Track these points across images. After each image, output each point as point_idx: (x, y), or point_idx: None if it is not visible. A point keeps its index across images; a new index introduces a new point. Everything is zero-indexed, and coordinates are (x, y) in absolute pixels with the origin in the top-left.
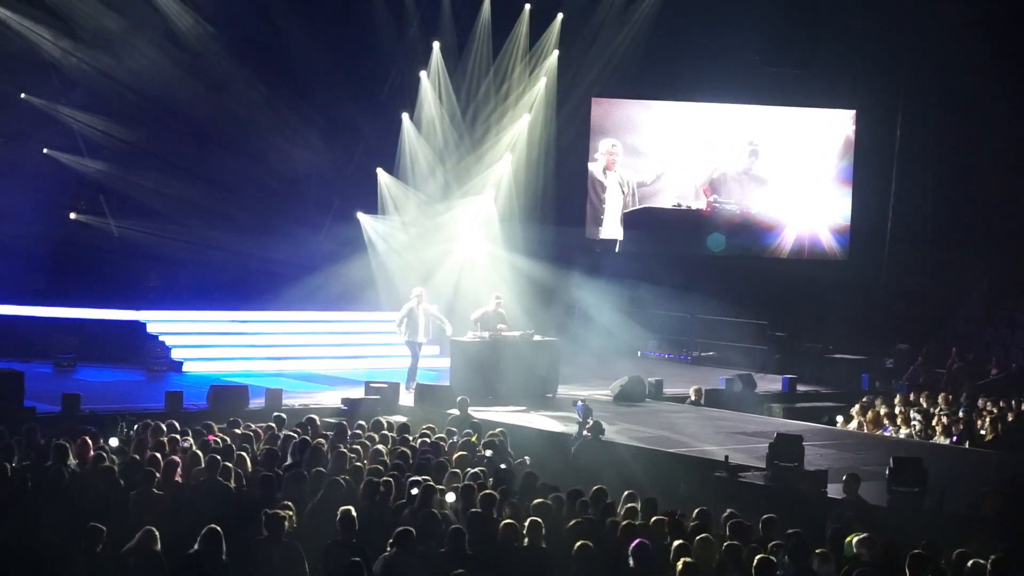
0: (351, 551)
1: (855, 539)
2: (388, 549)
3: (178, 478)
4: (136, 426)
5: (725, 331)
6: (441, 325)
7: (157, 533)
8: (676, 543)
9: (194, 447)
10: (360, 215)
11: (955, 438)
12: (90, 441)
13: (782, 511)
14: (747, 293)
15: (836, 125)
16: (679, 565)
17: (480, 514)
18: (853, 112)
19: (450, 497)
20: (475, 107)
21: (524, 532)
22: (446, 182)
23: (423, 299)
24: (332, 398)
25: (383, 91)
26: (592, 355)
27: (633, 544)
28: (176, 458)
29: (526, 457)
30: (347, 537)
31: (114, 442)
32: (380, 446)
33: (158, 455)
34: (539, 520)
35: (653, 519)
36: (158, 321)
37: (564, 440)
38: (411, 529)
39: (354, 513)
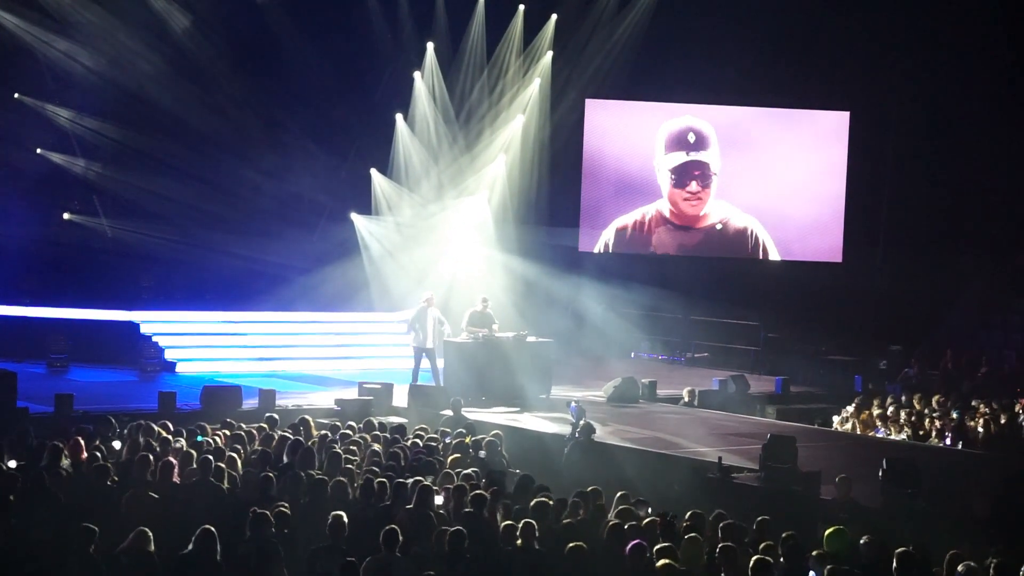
0: (339, 556)
1: (833, 533)
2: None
3: (175, 479)
4: (129, 427)
5: (718, 332)
6: (441, 328)
7: (150, 534)
8: (659, 545)
9: (187, 448)
10: (354, 216)
11: (948, 439)
12: (83, 441)
13: (775, 512)
14: (740, 294)
15: (830, 127)
16: (658, 565)
17: (472, 515)
18: (847, 114)
19: (438, 499)
20: (469, 108)
21: (518, 533)
22: (440, 183)
23: (432, 303)
24: (325, 399)
25: (377, 92)
26: (586, 356)
27: (630, 545)
28: (171, 459)
29: (516, 470)
30: (337, 543)
31: (117, 445)
32: (374, 447)
33: (151, 456)
34: (532, 521)
35: (646, 520)
36: (151, 321)
37: (558, 441)
38: (397, 528)
39: (345, 519)
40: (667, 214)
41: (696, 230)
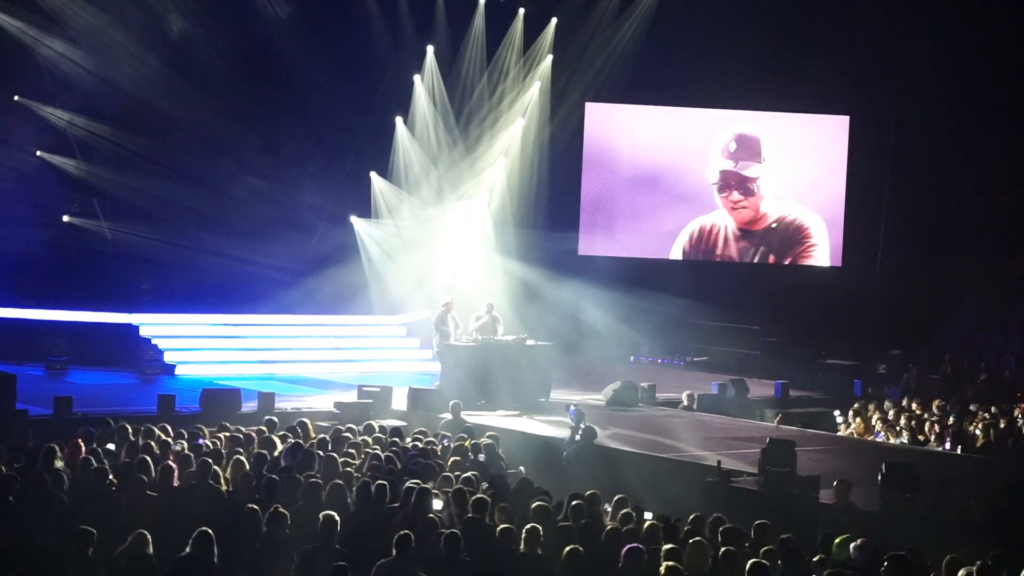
0: (334, 556)
1: (842, 540)
2: (391, 553)
3: (175, 482)
4: (129, 429)
5: (718, 336)
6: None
7: (149, 536)
8: (667, 547)
9: (186, 450)
10: (353, 219)
11: (947, 444)
12: (82, 444)
13: (774, 516)
14: (740, 298)
15: (830, 131)
16: (662, 569)
17: (473, 519)
18: (847, 118)
19: (437, 504)
20: (469, 111)
21: (523, 538)
22: (439, 186)
23: (451, 307)
24: (324, 402)
25: (377, 94)
26: (585, 359)
27: (626, 548)
28: (171, 462)
29: (521, 467)
30: (329, 542)
31: (111, 447)
32: (372, 449)
33: (149, 458)
34: (537, 526)
35: (647, 524)
36: (151, 324)
37: (557, 445)
38: (410, 534)
39: (336, 517)
40: (729, 220)
41: (756, 232)
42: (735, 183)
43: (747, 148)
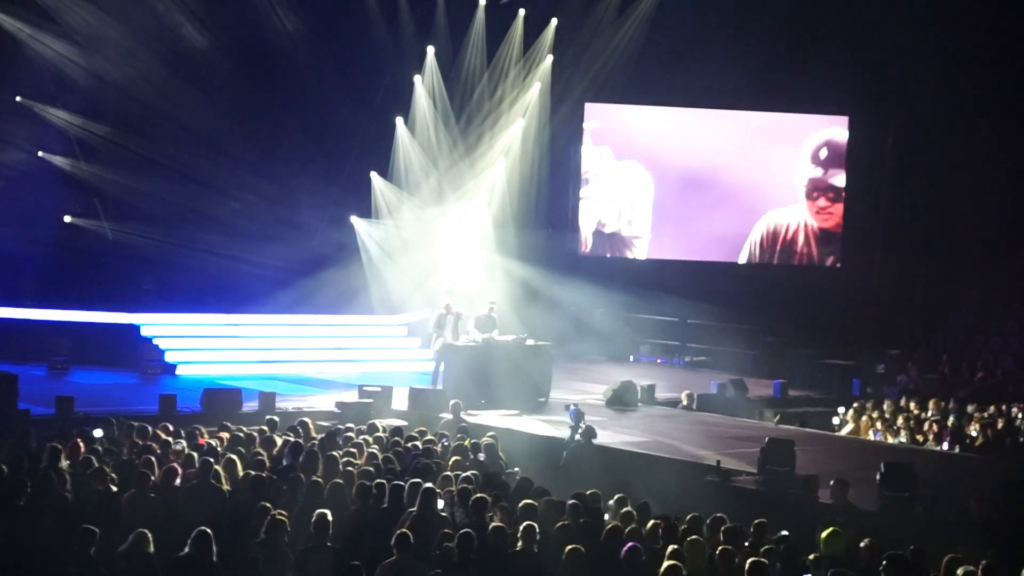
0: (328, 555)
1: (830, 534)
2: (393, 554)
3: (176, 482)
4: (134, 427)
5: (717, 336)
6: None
7: (150, 535)
8: (671, 547)
9: (187, 450)
10: (354, 219)
11: (946, 443)
12: (82, 444)
13: (773, 515)
14: (739, 298)
15: (829, 131)
16: (662, 568)
17: (474, 519)
18: (846, 118)
19: (438, 504)
20: (469, 112)
21: (518, 536)
22: (440, 187)
23: (451, 310)
24: (325, 401)
25: (377, 95)
26: (585, 359)
27: (625, 548)
28: (173, 463)
29: (516, 468)
30: (321, 540)
31: (98, 433)
32: (373, 449)
33: (152, 458)
34: (533, 524)
35: (649, 523)
36: (152, 324)
37: (556, 444)
38: (409, 533)
39: (329, 516)
40: (810, 223)
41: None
42: (824, 189)
43: (836, 155)
